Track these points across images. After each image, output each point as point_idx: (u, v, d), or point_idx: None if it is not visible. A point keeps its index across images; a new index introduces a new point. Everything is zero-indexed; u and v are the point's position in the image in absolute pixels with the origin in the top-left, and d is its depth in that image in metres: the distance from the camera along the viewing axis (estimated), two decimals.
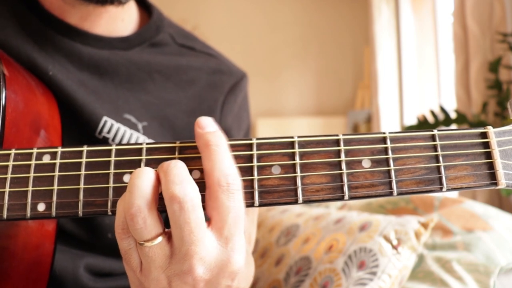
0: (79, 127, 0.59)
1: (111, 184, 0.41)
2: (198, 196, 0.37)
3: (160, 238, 0.38)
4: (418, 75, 3.06)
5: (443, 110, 1.85)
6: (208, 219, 0.39)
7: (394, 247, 0.88)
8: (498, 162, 0.41)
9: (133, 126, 0.62)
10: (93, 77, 0.62)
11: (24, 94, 0.53)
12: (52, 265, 0.49)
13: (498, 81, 1.91)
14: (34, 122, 0.52)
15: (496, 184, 0.41)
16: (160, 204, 0.39)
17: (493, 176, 0.41)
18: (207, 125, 0.40)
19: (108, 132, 0.60)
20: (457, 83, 2.27)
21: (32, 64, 0.58)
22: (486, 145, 0.41)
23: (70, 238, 0.59)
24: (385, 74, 3.05)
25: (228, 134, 0.68)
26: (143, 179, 0.37)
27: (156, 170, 0.38)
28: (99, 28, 0.64)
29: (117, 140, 0.60)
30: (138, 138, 0.62)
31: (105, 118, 0.60)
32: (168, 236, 0.38)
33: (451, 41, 2.35)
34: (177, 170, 0.37)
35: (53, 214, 0.41)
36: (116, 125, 0.60)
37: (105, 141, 0.60)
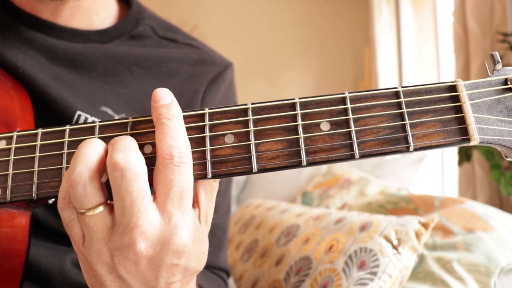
0: (53, 122, 0.59)
1: (64, 165, 0.41)
2: (142, 166, 0.36)
3: (101, 208, 0.37)
4: (418, 75, 3.06)
5: None
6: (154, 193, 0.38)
7: (395, 247, 0.88)
8: (470, 115, 0.38)
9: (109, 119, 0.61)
10: (69, 72, 0.61)
11: None
12: (26, 258, 0.49)
13: None
14: (1, 116, 0.52)
15: (468, 139, 0.38)
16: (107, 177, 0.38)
17: (464, 132, 0.38)
18: (162, 98, 0.39)
19: None
20: None
21: (1, 60, 0.58)
22: (456, 99, 0.39)
23: (55, 234, 0.59)
24: (385, 74, 3.05)
25: None
26: (88, 148, 0.37)
27: (106, 145, 0.38)
28: (74, 22, 0.63)
29: None
30: None
31: (78, 112, 0.59)
32: (111, 207, 0.37)
33: (451, 41, 2.35)
34: (124, 140, 0.37)
35: (8, 198, 0.41)
36: (91, 119, 0.60)
37: None
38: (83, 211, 0.37)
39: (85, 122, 0.42)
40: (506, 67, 0.40)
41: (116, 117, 0.62)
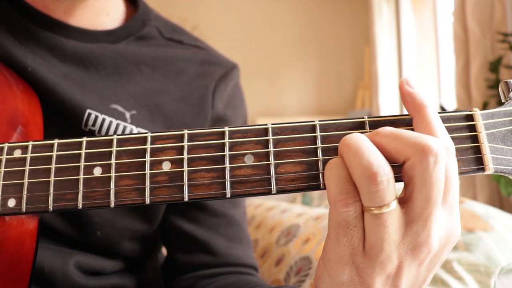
0: (64, 122, 0.59)
1: (81, 176, 0.40)
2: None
3: (395, 203, 0.33)
4: (418, 74, 3.06)
5: (443, 110, 1.85)
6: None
7: None
8: (486, 145, 0.39)
9: (120, 116, 0.61)
10: (78, 70, 0.61)
11: (1, 92, 0.53)
12: (34, 263, 0.49)
13: (499, 81, 1.91)
14: (12, 119, 0.52)
15: (483, 169, 0.39)
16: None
17: (480, 161, 0.39)
18: (414, 85, 0.38)
19: (93, 124, 0.59)
20: (457, 83, 2.27)
21: (10, 59, 0.57)
22: (473, 128, 0.39)
23: (59, 236, 0.59)
24: (385, 74, 3.05)
25: (223, 121, 0.68)
26: (364, 140, 0.34)
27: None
28: (84, 22, 0.63)
29: (103, 132, 0.59)
30: (125, 128, 0.61)
31: (88, 110, 0.59)
32: (403, 201, 0.34)
33: (451, 41, 2.35)
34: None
35: (23, 209, 0.40)
36: (101, 116, 0.59)
37: (91, 134, 0.59)
38: (380, 206, 0.32)
39: (103, 135, 0.41)
40: None
41: (127, 114, 0.62)
